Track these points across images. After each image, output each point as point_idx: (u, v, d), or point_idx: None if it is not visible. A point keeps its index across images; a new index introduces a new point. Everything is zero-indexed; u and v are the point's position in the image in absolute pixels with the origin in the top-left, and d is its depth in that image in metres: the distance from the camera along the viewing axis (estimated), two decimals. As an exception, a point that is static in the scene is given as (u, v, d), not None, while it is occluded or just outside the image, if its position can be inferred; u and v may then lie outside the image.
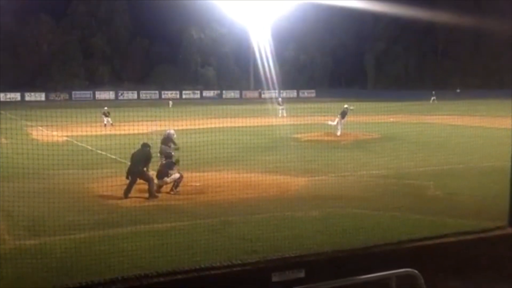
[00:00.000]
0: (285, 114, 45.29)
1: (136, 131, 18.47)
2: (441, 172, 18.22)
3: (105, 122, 36.06)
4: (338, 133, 30.04)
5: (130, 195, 14.94)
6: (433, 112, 41.40)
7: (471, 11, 78.80)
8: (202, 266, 8.45)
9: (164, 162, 16.17)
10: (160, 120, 22.11)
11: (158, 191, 15.48)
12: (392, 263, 6.38)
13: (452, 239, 7.85)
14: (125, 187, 15.06)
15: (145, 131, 20.14)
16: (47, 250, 9.92)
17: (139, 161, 15.43)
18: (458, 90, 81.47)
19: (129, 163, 15.71)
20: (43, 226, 11.21)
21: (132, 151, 15.90)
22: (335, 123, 30.55)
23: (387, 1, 74.75)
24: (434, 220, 11.70)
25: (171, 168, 15.91)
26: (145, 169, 15.46)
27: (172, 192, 15.47)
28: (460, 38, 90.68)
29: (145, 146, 15.98)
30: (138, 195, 15.07)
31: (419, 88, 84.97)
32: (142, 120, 21.57)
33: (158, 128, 20.27)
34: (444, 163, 19.80)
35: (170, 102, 64.21)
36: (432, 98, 70.24)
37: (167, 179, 15.74)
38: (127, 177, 15.29)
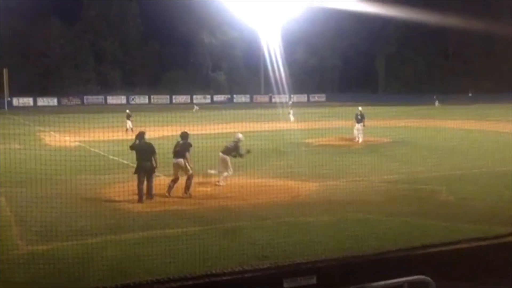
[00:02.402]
0: (292, 119, 45.10)
1: (149, 136, 18.45)
2: (453, 177, 18.12)
3: (130, 127, 35.92)
4: (359, 140, 29.33)
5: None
6: (445, 116, 41.22)
7: (482, 13, 78.33)
8: (213, 271, 8.44)
9: (181, 142, 16.19)
10: (172, 125, 22.16)
11: (169, 192, 15.52)
12: (405, 270, 6.33)
13: (465, 245, 7.75)
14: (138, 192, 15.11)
15: (158, 135, 20.21)
16: (59, 255, 9.97)
17: (146, 154, 15.43)
18: (470, 94, 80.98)
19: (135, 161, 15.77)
20: (55, 231, 11.26)
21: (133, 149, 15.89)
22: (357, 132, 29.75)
23: (397, 3, 74.58)
24: (446, 226, 11.63)
25: (188, 150, 15.97)
26: (154, 164, 15.46)
27: (186, 195, 15.51)
28: (471, 41, 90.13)
29: (142, 137, 15.91)
30: (148, 201, 15.10)
31: (430, 92, 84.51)
32: (155, 125, 21.66)
33: (171, 133, 20.28)
34: (456, 168, 19.69)
35: (196, 107, 62.64)
36: (436, 102, 69.76)
37: (182, 161, 15.75)
38: (136, 172, 15.41)
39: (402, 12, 75.01)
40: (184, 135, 16.42)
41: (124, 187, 15.59)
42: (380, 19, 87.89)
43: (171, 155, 16.36)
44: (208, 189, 16.03)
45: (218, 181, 17.23)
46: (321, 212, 13.09)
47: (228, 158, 17.53)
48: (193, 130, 18.53)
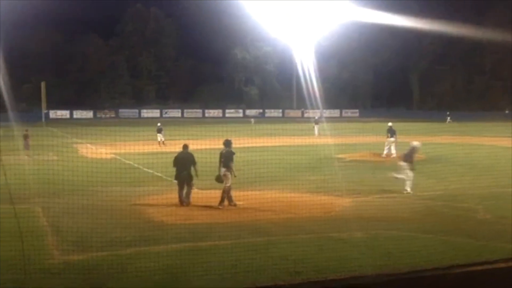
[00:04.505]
0: (316, 133, 45.49)
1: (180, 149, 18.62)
2: (491, 195, 17.69)
3: (161, 140, 36.40)
4: (384, 155, 29.23)
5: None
6: (482, 133, 40.46)
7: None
8: (245, 286, 8.43)
9: (224, 151, 16.37)
10: (204, 139, 22.34)
11: (230, 202, 15.94)
12: (441, 289, 6.21)
13: (502, 264, 7.57)
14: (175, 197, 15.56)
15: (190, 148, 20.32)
16: (93, 266, 10.10)
17: (185, 164, 16.08)
18: (507, 111, 79.34)
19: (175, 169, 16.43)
20: (90, 241, 11.43)
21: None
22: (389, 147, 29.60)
23: (432, 18, 73.75)
24: (483, 245, 11.38)
25: (232, 159, 16.17)
26: (192, 173, 16.08)
27: (220, 207, 15.71)
28: (509, 56, 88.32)
29: (186, 147, 16.78)
30: (182, 212, 15.16)
31: (465, 109, 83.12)
32: (188, 138, 21.81)
33: (203, 146, 20.41)
34: (493, 185, 19.21)
35: (252, 120, 65.42)
36: (448, 119, 68.46)
37: (228, 172, 15.95)
38: (175, 179, 16.19)
39: (438, 26, 74.10)
40: (227, 143, 16.56)
41: (158, 199, 15.76)
42: (415, 34, 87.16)
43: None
44: (241, 202, 16.03)
45: (405, 189, 17.93)
46: (354, 228, 12.94)
47: (406, 164, 18.35)
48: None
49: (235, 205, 15.94)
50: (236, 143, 18.22)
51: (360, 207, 15.67)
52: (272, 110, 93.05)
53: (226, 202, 15.96)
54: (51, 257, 10.81)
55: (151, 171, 21.53)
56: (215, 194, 16.15)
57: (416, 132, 28.93)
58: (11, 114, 42.21)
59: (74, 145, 32.36)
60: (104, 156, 27.29)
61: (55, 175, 15.49)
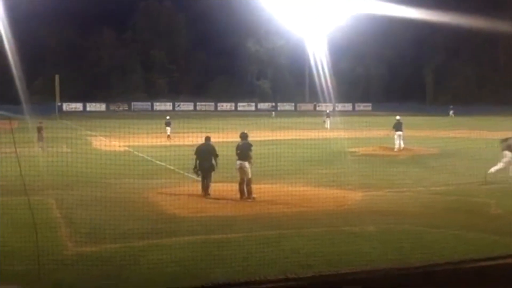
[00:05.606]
0: (328, 127, 45.69)
1: (195, 142, 18.71)
2: (503, 190, 17.55)
3: (168, 133, 36.57)
4: (395, 149, 29.11)
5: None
6: (496, 128, 40.11)
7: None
8: (256, 278, 8.44)
9: (241, 144, 16.52)
10: (217, 132, 22.35)
11: (242, 196, 15.94)
12: (453, 283, 6.20)
13: (514, 260, 7.49)
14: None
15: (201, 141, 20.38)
16: (106, 258, 10.18)
17: (206, 156, 16.29)
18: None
19: (192, 160, 16.66)
20: (103, 233, 11.51)
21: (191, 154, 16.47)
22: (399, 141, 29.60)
23: (446, 11, 73.05)
24: (496, 240, 11.30)
25: (250, 150, 16.32)
26: (213, 163, 16.31)
27: (249, 200, 15.79)
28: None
29: (208, 139, 17.05)
30: (194, 205, 15.22)
31: (480, 103, 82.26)
32: (200, 131, 21.88)
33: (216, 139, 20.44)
34: (505, 180, 19.10)
35: (273, 113, 69.14)
36: (451, 112, 68.31)
37: (246, 164, 16.03)
38: (196, 173, 16.42)
39: (451, 20, 73.40)
40: (244, 136, 16.73)
41: (170, 192, 15.85)
42: (429, 28, 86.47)
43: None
44: (254, 195, 16.05)
45: (491, 170, 18.59)
46: (366, 222, 12.91)
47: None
48: (236, 137, 18.59)
49: (246, 199, 15.95)
50: (250, 136, 18.27)
51: (372, 201, 15.63)
52: (285, 104, 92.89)
53: (252, 195, 15.97)
54: (65, 249, 10.91)
55: (163, 163, 21.61)
56: (227, 187, 16.19)
57: (426, 127, 28.72)
58: (25, 106, 42.57)
59: (88, 138, 32.57)
60: (117, 148, 27.43)
61: (68, 167, 15.63)
